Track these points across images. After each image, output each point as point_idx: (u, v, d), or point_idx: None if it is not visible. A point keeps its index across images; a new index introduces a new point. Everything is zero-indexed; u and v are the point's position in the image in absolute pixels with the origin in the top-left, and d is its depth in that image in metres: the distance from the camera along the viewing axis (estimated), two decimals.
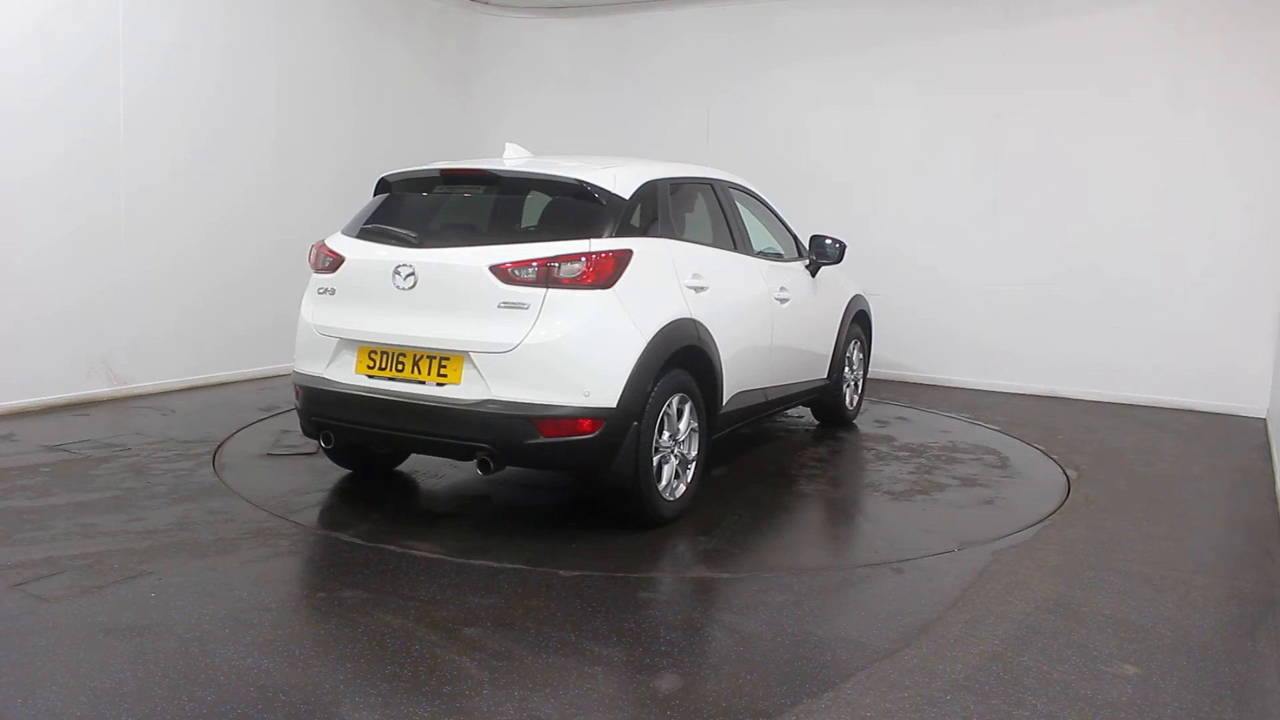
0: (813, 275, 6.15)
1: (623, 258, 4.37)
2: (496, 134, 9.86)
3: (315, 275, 4.78)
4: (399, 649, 3.28)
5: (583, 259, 4.25)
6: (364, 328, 4.51)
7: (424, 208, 4.86)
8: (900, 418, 7.27)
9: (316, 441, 4.93)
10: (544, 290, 4.21)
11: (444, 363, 4.33)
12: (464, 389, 4.27)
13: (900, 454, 6.14)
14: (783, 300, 5.63)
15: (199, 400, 7.01)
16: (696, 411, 4.75)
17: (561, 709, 2.92)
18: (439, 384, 4.33)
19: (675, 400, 4.59)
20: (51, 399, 6.52)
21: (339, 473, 5.36)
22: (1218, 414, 7.55)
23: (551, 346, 4.18)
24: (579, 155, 5.73)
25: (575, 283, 4.23)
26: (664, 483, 4.57)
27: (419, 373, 4.37)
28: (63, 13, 6.40)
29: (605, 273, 4.29)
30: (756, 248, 5.89)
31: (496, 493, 5.19)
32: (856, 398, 7.02)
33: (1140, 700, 3.09)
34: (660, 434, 4.51)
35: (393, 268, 4.42)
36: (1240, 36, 7.41)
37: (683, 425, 4.67)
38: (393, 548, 4.23)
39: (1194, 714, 3.02)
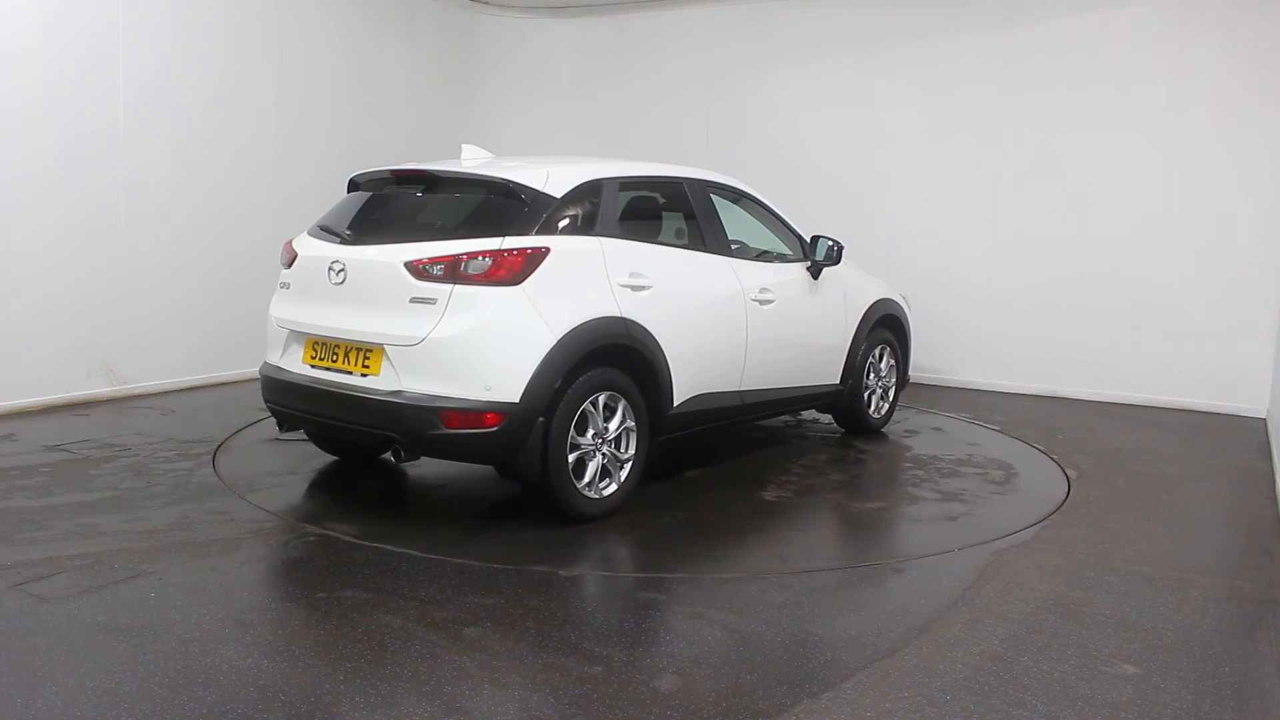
0: (814, 277, 6.02)
1: (535, 255, 4.42)
2: (496, 134, 9.86)
3: (282, 271, 5.03)
4: (399, 649, 3.28)
5: (489, 256, 4.35)
6: (307, 320, 4.76)
7: (374, 206, 5.02)
8: (935, 428, 6.96)
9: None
10: (451, 286, 4.32)
11: (367, 354, 4.51)
12: (381, 380, 4.45)
13: (903, 464, 6.01)
14: (764, 301, 5.52)
15: (199, 400, 7.01)
16: (634, 411, 4.75)
17: (561, 709, 2.92)
18: (363, 375, 4.52)
19: (603, 398, 4.60)
20: (51, 399, 6.52)
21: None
22: (1218, 414, 7.54)
23: (455, 340, 4.29)
24: (545, 155, 5.75)
25: (483, 279, 4.33)
26: (586, 480, 4.58)
27: (349, 363, 4.58)
28: (63, 12, 6.40)
29: (514, 270, 4.36)
30: (756, 248, 5.87)
31: (453, 483, 5.27)
32: (886, 406, 6.74)
33: (1140, 700, 3.09)
34: (582, 431, 4.55)
35: (328, 264, 4.65)
36: (1241, 36, 7.40)
37: (613, 424, 4.68)
38: (312, 528, 4.28)
39: (1194, 714, 3.02)
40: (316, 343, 4.72)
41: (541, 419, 4.36)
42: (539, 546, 4.34)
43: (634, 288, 4.76)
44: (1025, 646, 3.44)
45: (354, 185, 5.21)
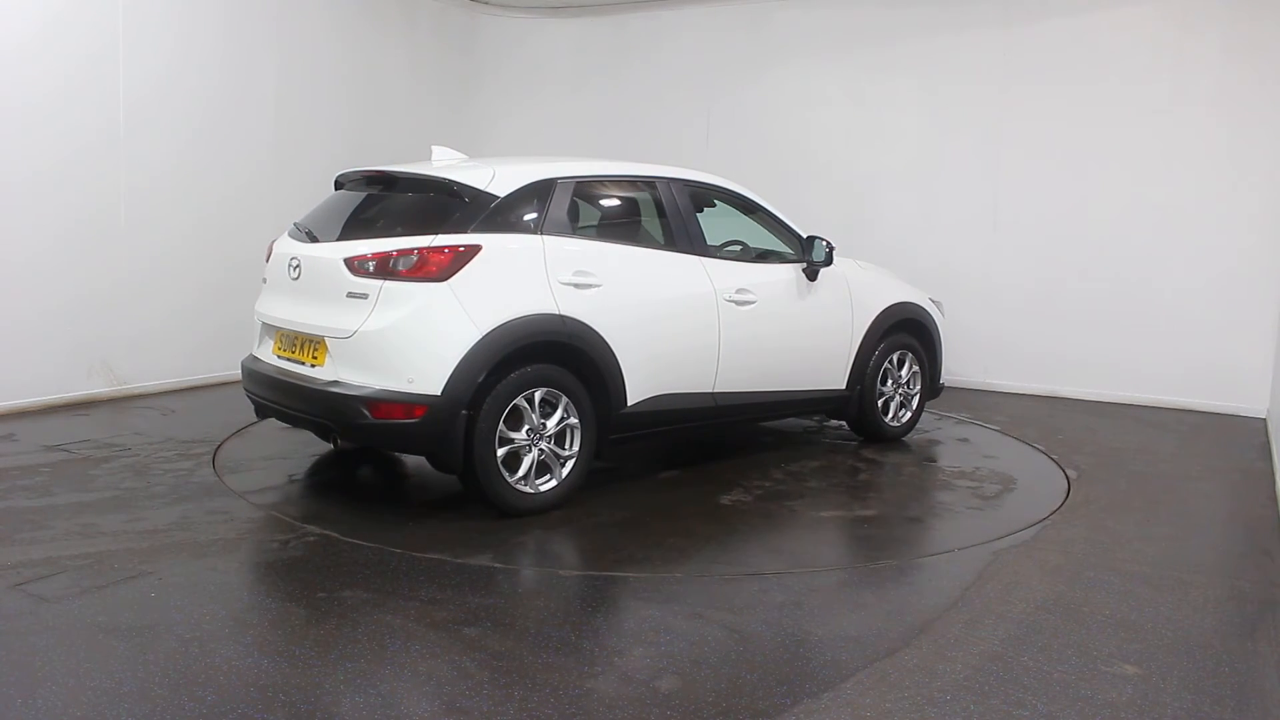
0: (810, 278, 5.85)
1: (464, 253, 4.51)
2: (497, 135, 9.88)
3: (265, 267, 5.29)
4: (399, 649, 3.28)
5: (415, 253, 4.49)
6: (274, 313, 5.02)
7: (341, 206, 5.18)
8: (962, 439, 6.64)
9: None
10: (381, 282, 4.48)
11: (316, 346, 4.71)
12: (324, 370, 4.65)
13: (897, 474, 5.75)
14: (741, 303, 5.42)
15: (199, 400, 7.02)
16: (578, 408, 4.77)
17: (561, 709, 2.92)
18: (311, 365, 4.72)
19: (539, 394, 4.65)
20: (51, 399, 6.52)
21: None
22: (1218, 414, 7.55)
23: (381, 334, 4.46)
24: (515, 156, 5.78)
25: (410, 275, 4.47)
26: (519, 475, 4.62)
27: (303, 355, 4.79)
28: (63, 13, 6.40)
29: (441, 266, 4.47)
30: (758, 248, 5.83)
31: (416, 474, 5.38)
32: (909, 414, 6.44)
33: (1140, 700, 3.09)
34: (517, 426, 4.61)
35: (288, 260, 4.92)
36: (1241, 36, 7.40)
37: (551, 421, 4.71)
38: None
39: (1194, 714, 3.02)
40: (282, 335, 4.95)
41: (465, 412, 4.44)
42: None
43: (578, 285, 4.78)
44: (1025, 646, 3.44)
45: (338, 184, 5.38)
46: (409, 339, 4.44)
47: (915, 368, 6.48)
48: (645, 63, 9.59)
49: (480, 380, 4.45)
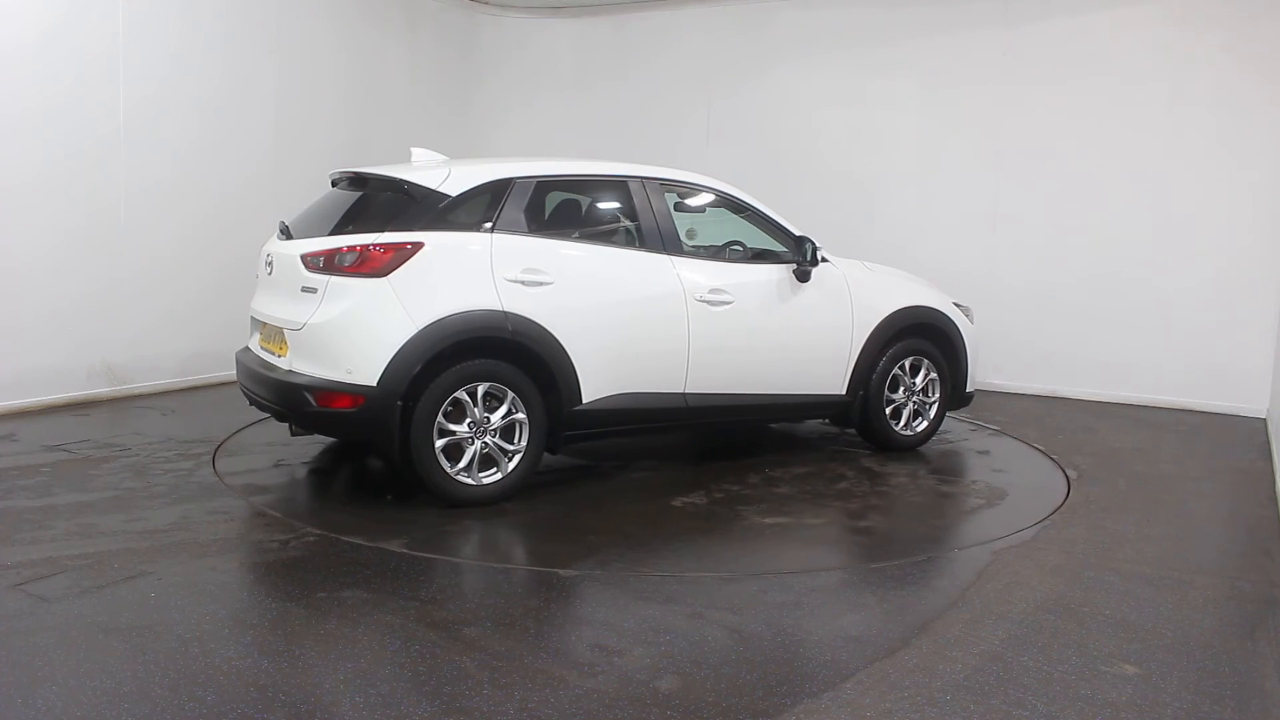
0: (800, 279, 5.66)
1: (406, 250, 4.66)
2: (497, 136, 9.89)
3: None
4: (399, 649, 3.28)
5: (358, 250, 4.67)
6: (255, 306, 5.29)
7: (321, 204, 5.39)
8: (983, 450, 6.36)
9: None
10: (328, 277, 4.69)
11: (280, 338, 4.91)
12: (284, 361, 4.86)
13: (880, 485, 5.45)
14: (715, 303, 5.31)
15: (199, 400, 7.02)
16: (525, 403, 4.83)
17: (561, 709, 2.92)
18: (279, 356, 4.92)
19: (482, 388, 4.73)
20: (51, 399, 6.52)
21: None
22: (1218, 414, 7.54)
23: (325, 326, 4.67)
24: (494, 157, 5.82)
25: (353, 271, 4.66)
26: (460, 466, 4.72)
27: (274, 345, 4.99)
28: (64, 16, 6.41)
29: (382, 262, 4.64)
30: (756, 248, 5.82)
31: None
32: (925, 423, 6.17)
33: (1140, 700, 3.09)
34: (460, 419, 4.71)
35: (266, 257, 5.18)
36: (1241, 35, 7.40)
37: (496, 415, 4.78)
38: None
39: (1194, 714, 3.02)
40: (263, 327, 5.16)
41: (400, 403, 4.57)
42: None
43: (527, 283, 4.83)
44: (1025, 646, 3.44)
45: (332, 184, 5.55)
46: (349, 331, 4.63)
47: (932, 374, 6.17)
48: (645, 63, 9.59)
49: (416, 372, 4.57)
